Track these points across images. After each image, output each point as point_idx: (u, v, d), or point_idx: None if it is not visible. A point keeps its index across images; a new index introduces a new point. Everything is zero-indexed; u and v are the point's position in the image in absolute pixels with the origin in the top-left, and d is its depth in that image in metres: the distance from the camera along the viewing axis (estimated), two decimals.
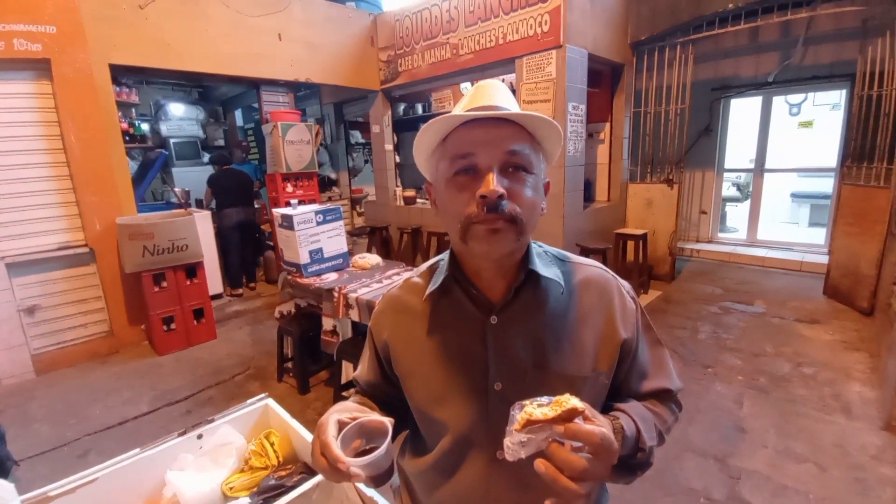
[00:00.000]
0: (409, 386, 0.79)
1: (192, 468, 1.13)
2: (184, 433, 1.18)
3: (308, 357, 3.03)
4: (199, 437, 1.19)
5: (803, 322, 3.74)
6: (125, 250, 3.56)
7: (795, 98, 5.77)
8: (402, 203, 5.95)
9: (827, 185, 5.83)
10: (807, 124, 6.92)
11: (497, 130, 0.65)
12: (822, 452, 2.20)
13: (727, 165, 6.04)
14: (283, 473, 1.12)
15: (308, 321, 2.98)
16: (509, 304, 0.72)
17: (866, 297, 3.76)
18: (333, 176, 7.22)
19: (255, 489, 1.11)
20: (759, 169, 5.73)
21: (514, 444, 0.53)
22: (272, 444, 1.21)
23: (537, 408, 0.53)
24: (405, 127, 6.69)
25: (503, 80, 0.84)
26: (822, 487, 1.98)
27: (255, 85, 5.00)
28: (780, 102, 5.68)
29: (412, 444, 0.85)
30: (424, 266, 0.85)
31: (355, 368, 0.93)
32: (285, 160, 4.77)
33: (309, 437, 1.16)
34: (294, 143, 4.81)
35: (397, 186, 6.23)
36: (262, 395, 1.34)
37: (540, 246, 0.78)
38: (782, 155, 6.38)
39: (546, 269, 0.73)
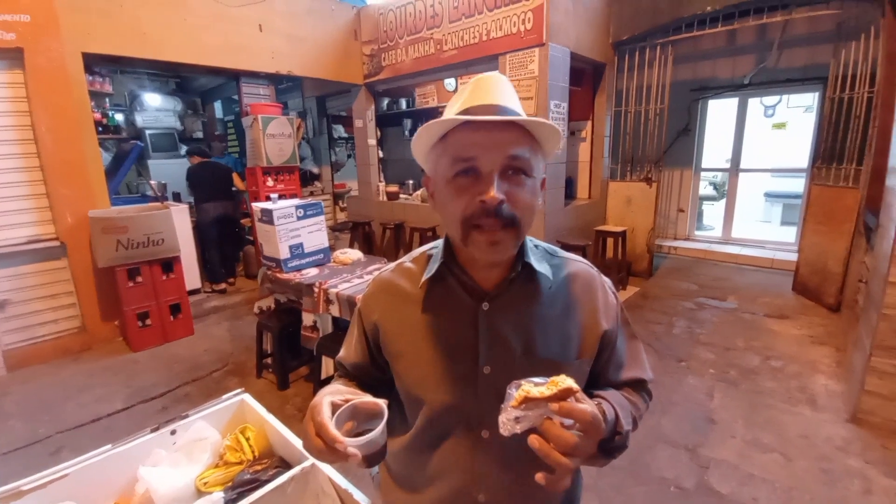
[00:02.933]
0: (398, 367, 0.80)
1: (166, 463, 1.12)
2: (157, 429, 1.16)
3: (288, 353, 3.01)
4: (173, 432, 1.18)
5: (773, 317, 3.86)
6: (98, 244, 3.47)
7: (770, 100, 5.92)
8: (385, 198, 5.92)
9: (799, 185, 6.01)
10: (780, 126, 7.13)
11: (499, 134, 0.65)
12: (788, 443, 2.28)
13: (704, 165, 6.19)
14: (259, 468, 1.12)
15: (288, 316, 2.96)
16: (501, 293, 0.75)
17: (833, 294, 3.89)
18: (316, 170, 7.13)
19: (229, 484, 1.10)
20: (735, 169, 5.88)
21: (509, 420, 0.55)
22: (247, 439, 1.21)
23: (534, 387, 0.55)
24: (389, 122, 6.64)
25: None
26: (789, 477, 2.06)
27: (235, 77, 4.91)
28: (755, 104, 5.83)
29: (398, 426, 0.87)
30: (417, 252, 0.87)
31: (335, 364, 0.94)
32: (266, 154, 4.70)
33: (285, 431, 1.16)
34: (275, 136, 4.74)
35: (380, 182, 6.20)
36: (239, 390, 1.33)
37: (531, 241, 0.82)
38: (757, 155, 6.56)
39: (538, 263, 0.76)
